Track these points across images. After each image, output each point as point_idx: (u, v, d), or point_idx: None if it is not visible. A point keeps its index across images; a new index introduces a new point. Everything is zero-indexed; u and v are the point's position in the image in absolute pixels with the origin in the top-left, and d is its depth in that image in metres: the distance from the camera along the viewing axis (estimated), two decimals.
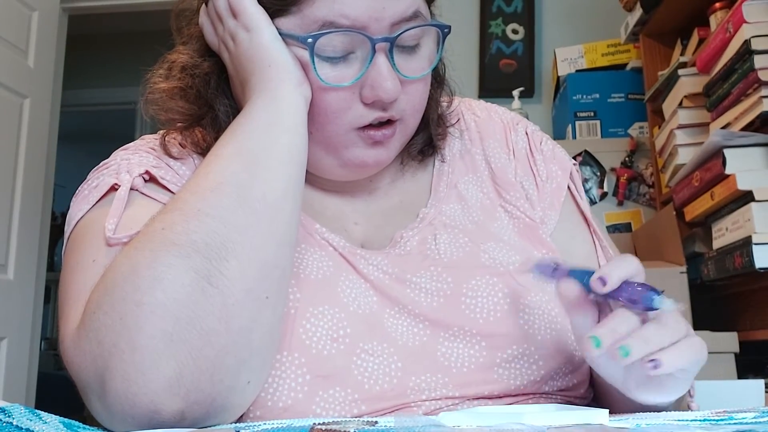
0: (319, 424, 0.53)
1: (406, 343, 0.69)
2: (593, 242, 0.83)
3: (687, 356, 0.58)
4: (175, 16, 0.79)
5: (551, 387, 0.71)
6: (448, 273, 0.72)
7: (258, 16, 0.69)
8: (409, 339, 0.69)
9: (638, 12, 2.14)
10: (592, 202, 2.29)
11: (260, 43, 0.68)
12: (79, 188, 0.74)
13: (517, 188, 0.82)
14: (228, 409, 0.61)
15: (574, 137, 2.41)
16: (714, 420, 0.57)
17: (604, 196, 2.31)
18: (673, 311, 0.59)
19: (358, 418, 0.62)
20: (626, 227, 2.28)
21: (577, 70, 2.49)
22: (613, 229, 2.27)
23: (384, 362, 0.67)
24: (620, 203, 2.30)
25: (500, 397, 0.69)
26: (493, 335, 0.70)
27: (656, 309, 0.58)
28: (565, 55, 2.51)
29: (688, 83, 1.83)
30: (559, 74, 2.52)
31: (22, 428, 0.49)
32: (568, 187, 0.84)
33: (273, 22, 0.69)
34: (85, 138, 5.27)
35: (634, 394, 0.62)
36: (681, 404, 0.73)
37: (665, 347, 0.57)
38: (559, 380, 0.71)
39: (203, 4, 0.75)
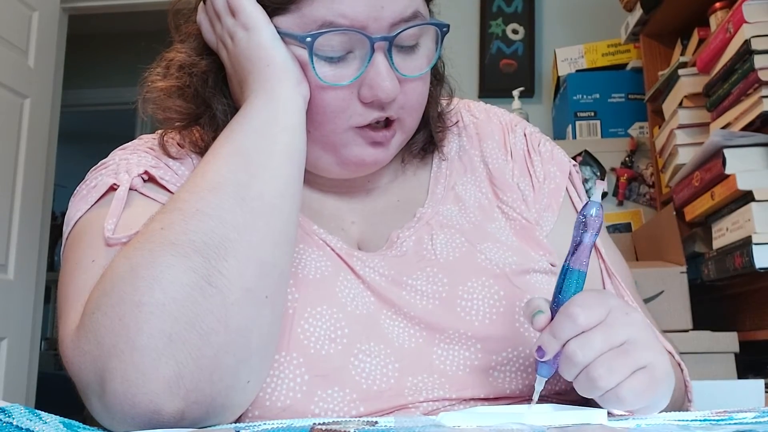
0: (319, 424, 0.53)
1: (402, 345, 0.69)
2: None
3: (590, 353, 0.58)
4: (173, 13, 0.78)
5: (547, 390, 0.71)
6: (444, 274, 0.72)
7: (256, 15, 0.68)
8: (405, 341, 0.69)
9: (638, 12, 2.13)
10: None
11: (259, 42, 0.68)
12: (78, 188, 0.74)
13: (514, 190, 0.81)
14: (228, 409, 0.61)
15: (574, 137, 2.40)
16: (714, 420, 0.57)
17: (604, 196, 2.31)
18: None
19: (358, 419, 0.62)
20: (626, 227, 2.28)
21: (577, 70, 2.48)
22: (613, 229, 2.26)
23: (381, 363, 0.67)
24: (620, 203, 2.30)
25: (497, 399, 0.69)
26: (488, 338, 0.69)
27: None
28: (565, 55, 2.51)
29: (688, 83, 1.83)
30: (559, 74, 2.52)
31: (22, 428, 0.49)
32: (567, 189, 0.83)
33: (271, 21, 0.69)
34: (85, 138, 5.27)
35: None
36: (681, 409, 0.73)
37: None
38: (555, 384, 0.71)
39: (201, 2, 0.75)
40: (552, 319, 0.61)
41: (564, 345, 0.59)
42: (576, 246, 0.62)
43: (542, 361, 0.61)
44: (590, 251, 0.62)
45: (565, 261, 0.62)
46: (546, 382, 0.70)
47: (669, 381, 0.62)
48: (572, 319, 0.59)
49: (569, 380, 0.60)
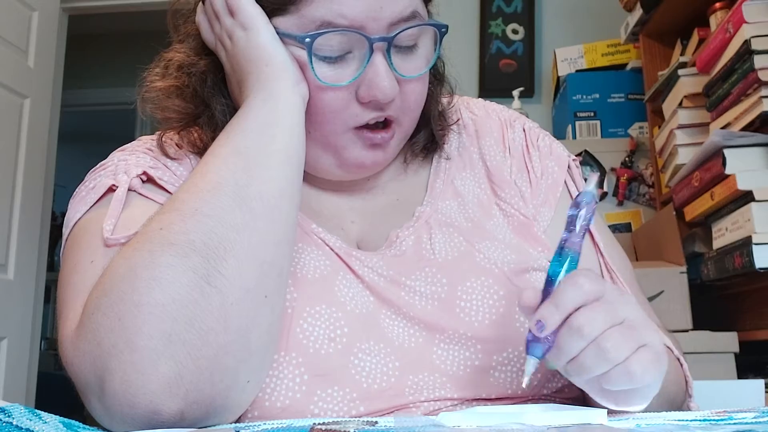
0: (319, 424, 0.53)
1: (402, 344, 0.69)
2: (590, 239, 0.82)
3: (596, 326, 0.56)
4: (172, 13, 0.78)
5: (549, 389, 0.71)
6: (443, 274, 0.72)
7: (255, 15, 0.69)
8: (405, 340, 0.69)
9: (638, 12, 2.13)
10: None
11: (257, 43, 0.68)
12: (77, 189, 0.74)
13: (511, 186, 0.81)
14: (227, 409, 0.61)
15: (574, 137, 2.40)
16: (714, 420, 0.57)
17: (604, 196, 2.31)
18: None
19: (357, 418, 0.62)
20: (626, 227, 2.28)
21: (577, 70, 2.48)
22: (613, 229, 2.26)
23: (381, 362, 0.67)
24: (620, 203, 2.30)
25: (498, 399, 0.69)
26: (488, 339, 0.69)
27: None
28: (565, 55, 2.51)
29: (688, 83, 1.83)
30: (559, 74, 2.52)
31: (22, 428, 0.49)
32: (566, 183, 0.83)
33: (270, 21, 0.69)
34: (85, 138, 5.27)
35: (598, 400, 0.61)
36: (681, 406, 0.73)
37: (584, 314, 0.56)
38: (557, 382, 0.71)
39: (200, 2, 0.75)
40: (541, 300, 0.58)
41: (566, 319, 0.56)
42: (569, 230, 0.60)
43: (537, 338, 0.57)
44: (584, 234, 0.60)
45: (559, 242, 0.60)
46: (548, 381, 0.70)
47: (665, 362, 0.60)
48: (578, 287, 0.56)
49: (570, 357, 0.57)
